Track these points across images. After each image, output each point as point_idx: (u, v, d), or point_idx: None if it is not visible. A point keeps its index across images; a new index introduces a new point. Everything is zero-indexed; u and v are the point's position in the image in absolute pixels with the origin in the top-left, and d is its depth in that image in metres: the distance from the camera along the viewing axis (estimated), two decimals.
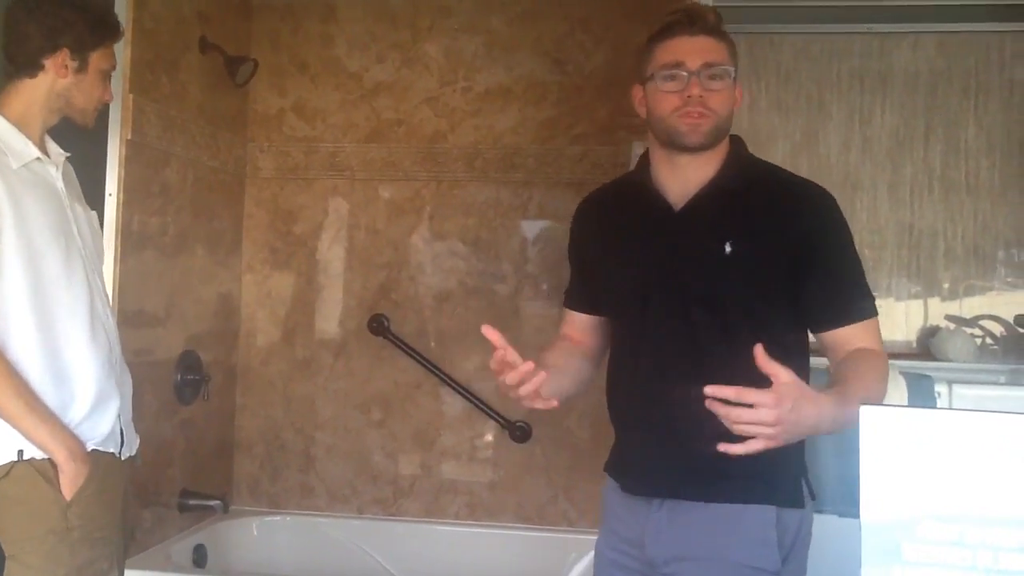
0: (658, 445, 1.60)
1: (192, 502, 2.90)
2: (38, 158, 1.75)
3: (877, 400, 1.45)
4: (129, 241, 2.56)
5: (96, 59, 1.80)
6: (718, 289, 1.56)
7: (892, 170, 2.89)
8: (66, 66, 1.76)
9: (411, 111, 3.25)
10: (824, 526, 2.60)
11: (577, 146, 3.15)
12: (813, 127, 2.92)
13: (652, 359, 1.62)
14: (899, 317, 2.90)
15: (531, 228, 3.20)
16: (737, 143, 1.64)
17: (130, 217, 2.56)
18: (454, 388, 3.15)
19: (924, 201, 2.88)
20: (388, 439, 3.23)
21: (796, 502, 1.58)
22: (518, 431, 3.13)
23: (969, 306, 2.87)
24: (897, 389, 2.55)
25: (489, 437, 3.19)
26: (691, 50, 1.54)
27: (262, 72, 3.21)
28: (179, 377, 2.84)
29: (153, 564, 2.61)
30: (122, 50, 2.49)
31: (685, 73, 1.53)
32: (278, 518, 3.21)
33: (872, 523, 1.12)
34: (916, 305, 2.89)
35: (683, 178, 1.60)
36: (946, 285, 2.88)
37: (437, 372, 3.15)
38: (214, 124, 3.06)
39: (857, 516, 1.24)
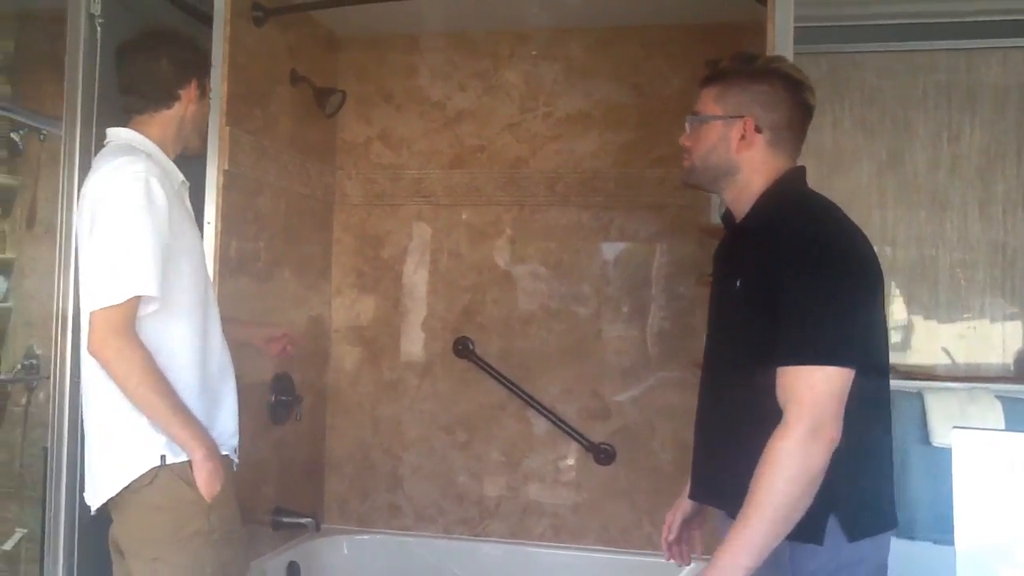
0: (701, 458, 1.76)
1: (285, 520, 2.98)
2: (183, 181, 1.94)
3: (789, 502, 1.44)
4: (227, 267, 2.67)
5: (208, 84, 2.03)
6: (729, 321, 1.69)
7: (983, 188, 2.82)
8: (196, 94, 1.96)
9: (493, 137, 3.32)
10: (919, 553, 2.55)
11: (657, 169, 3.16)
12: (899, 146, 2.87)
13: (703, 380, 1.78)
14: (995, 339, 2.82)
15: (612, 251, 3.23)
16: (784, 179, 1.67)
17: (228, 244, 2.67)
18: (538, 410, 3.18)
19: (1017, 219, 2.81)
20: (473, 460, 3.28)
21: (811, 537, 1.52)
22: (602, 454, 3.14)
23: None
24: (993, 413, 2.49)
25: (573, 459, 3.21)
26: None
27: (349, 102, 3.32)
28: (273, 398, 2.94)
29: None
30: (218, 85, 2.61)
31: None
32: (367, 537, 3.28)
33: (967, 549, 1.12)
34: (1012, 327, 2.81)
35: (735, 211, 1.73)
36: None
37: (521, 394, 3.19)
38: (304, 153, 3.18)
39: (952, 543, 1.23)
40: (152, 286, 1.73)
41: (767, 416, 1.54)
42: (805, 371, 1.47)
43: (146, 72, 1.92)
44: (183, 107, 1.94)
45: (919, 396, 2.61)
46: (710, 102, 1.69)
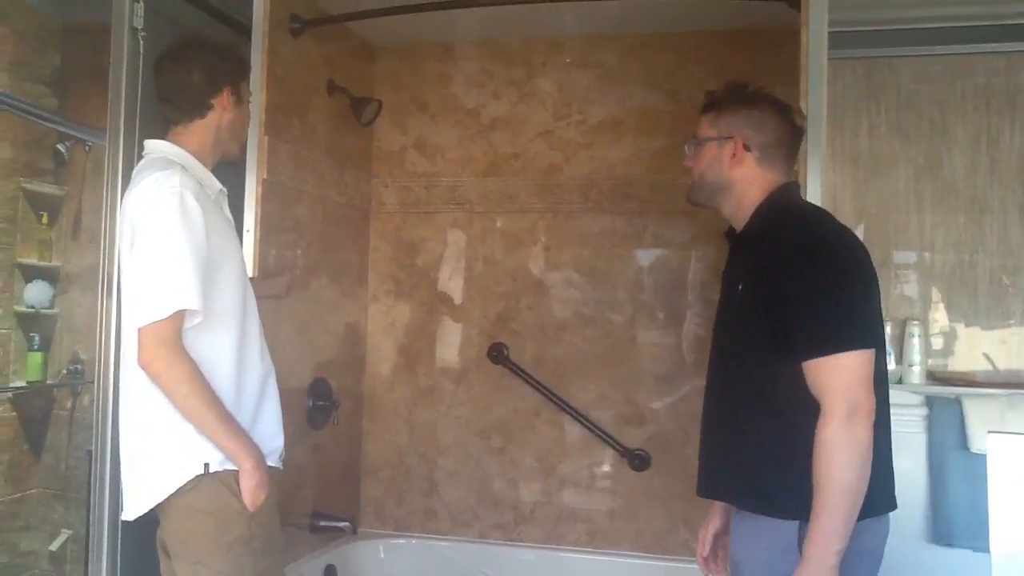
0: (706, 454, 1.87)
1: (323, 523, 3.02)
2: (221, 190, 1.97)
3: (849, 483, 1.56)
4: (265, 274, 2.70)
5: (244, 90, 2.03)
6: (732, 322, 1.82)
7: (1023, 192, 2.79)
8: (230, 101, 1.97)
9: (527, 145, 3.34)
10: (957, 561, 2.52)
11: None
12: (937, 150, 2.85)
13: (707, 380, 1.89)
14: None
15: (646, 257, 3.23)
16: (777, 192, 1.82)
17: (266, 251, 2.72)
18: (573, 416, 3.19)
19: None
20: (508, 465, 3.29)
21: (803, 515, 1.63)
22: (636, 460, 3.14)
23: None
24: None
25: (607, 465, 3.21)
26: None
27: (385, 111, 3.36)
28: (310, 403, 2.98)
29: None
30: (257, 96, 2.66)
31: None
32: (403, 541, 3.31)
33: (1002, 553, 1.11)
34: None
35: (735, 224, 1.88)
36: None
37: (556, 400, 3.20)
38: (341, 162, 3.22)
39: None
40: (194, 299, 1.76)
41: (765, 410, 1.68)
42: (828, 361, 1.60)
43: (179, 83, 1.95)
44: (218, 116, 1.96)
45: (958, 402, 2.59)
46: (706, 127, 1.88)
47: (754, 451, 1.71)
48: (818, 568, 1.58)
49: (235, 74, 2.00)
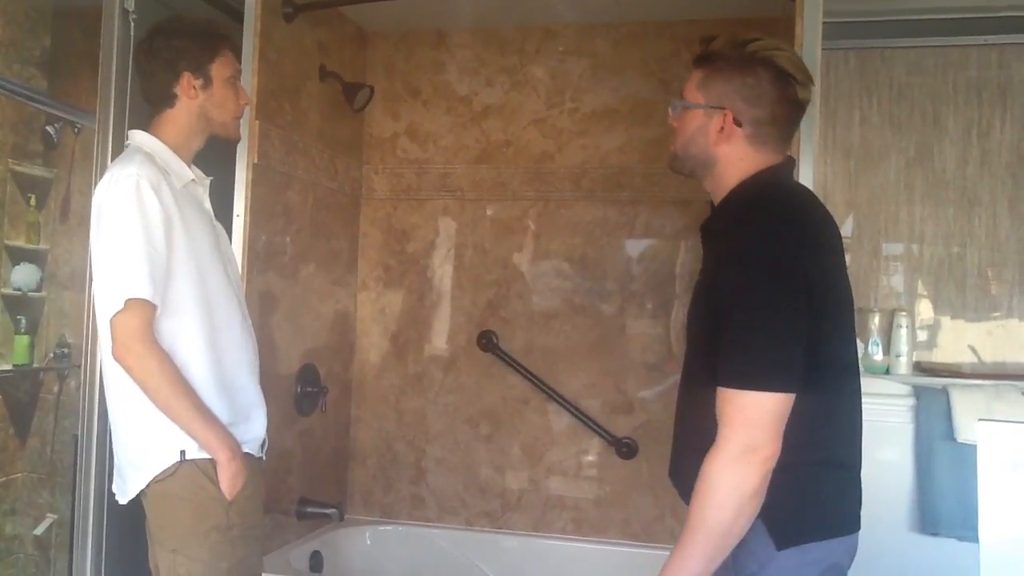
0: (673, 439, 1.72)
1: (309, 509, 3.01)
2: (193, 180, 1.93)
3: (720, 525, 1.41)
4: (255, 260, 2.70)
5: (216, 70, 1.93)
6: (693, 311, 1.66)
7: (1013, 185, 2.80)
8: (193, 87, 1.91)
9: (519, 132, 3.33)
10: (942, 550, 2.54)
11: None
12: (928, 142, 2.86)
13: (683, 361, 1.73)
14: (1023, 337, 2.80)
15: (636, 247, 3.22)
16: (757, 177, 1.60)
17: (256, 237, 2.70)
18: (561, 404, 3.19)
19: None
20: (496, 453, 3.29)
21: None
22: (624, 448, 3.14)
23: None
24: (1020, 409, 2.48)
25: (595, 454, 3.21)
26: None
27: (377, 98, 3.34)
28: (299, 389, 2.97)
29: (273, 568, 2.72)
30: (249, 80, 2.64)
31: None
32: (390, 528, 3.31)
33: (991, 542, 1.11)
34: None
35: (714, 201, 1.68)
36: None
37: (544, 388, 3.20)
38: (332, 148, 3.21)
39: (976, 540, 1.22)
40: (145, 289, 1.72)
41: (706, 411, 1.51)
42: (737, 395, 1.43)
43: (143, 75, 1.93)
44: (187, 103, 1.91)
45: (944, 392, 2.60)
46: (694, 88, 1.64)
47: (696, 453, 1.53)
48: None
49: (195, 57, 1.90)
